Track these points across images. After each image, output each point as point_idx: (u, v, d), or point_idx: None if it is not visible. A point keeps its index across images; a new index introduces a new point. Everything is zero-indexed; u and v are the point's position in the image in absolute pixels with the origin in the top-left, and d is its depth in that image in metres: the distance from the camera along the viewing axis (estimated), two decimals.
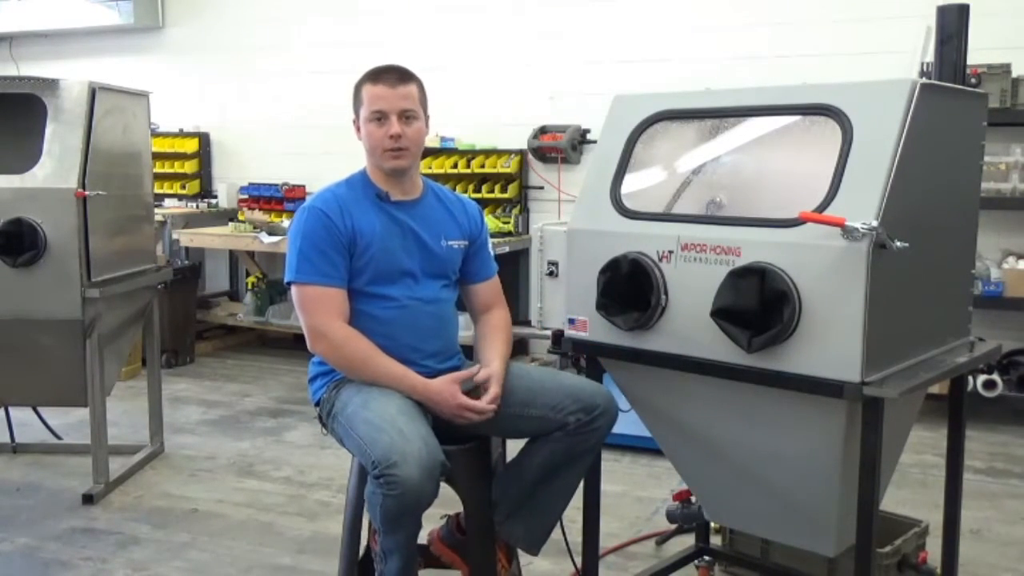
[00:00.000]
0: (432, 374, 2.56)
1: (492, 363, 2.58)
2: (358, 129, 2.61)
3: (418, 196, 2.66)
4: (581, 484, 2.67)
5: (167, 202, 7.34)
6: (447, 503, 2.54)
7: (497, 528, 2.61)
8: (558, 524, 2.71)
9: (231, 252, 7.36)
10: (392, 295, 2.55)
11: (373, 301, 2.55)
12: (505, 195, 6.32)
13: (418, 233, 2.60)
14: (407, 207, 2.62)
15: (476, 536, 2.59)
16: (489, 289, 2.80)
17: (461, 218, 2.72)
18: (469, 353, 2.76)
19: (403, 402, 2.41)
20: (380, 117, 2.53)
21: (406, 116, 2.55)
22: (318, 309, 2.49)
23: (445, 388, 2.47)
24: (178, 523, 3.74)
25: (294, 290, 2.53)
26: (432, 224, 2.65)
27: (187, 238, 6.66)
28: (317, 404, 2.62)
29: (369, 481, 2.27)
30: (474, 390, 2.50)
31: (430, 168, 6.38)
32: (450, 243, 2.67)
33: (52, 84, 3.91)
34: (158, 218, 5.88)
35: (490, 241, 2.85)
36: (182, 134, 7.52)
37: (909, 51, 4.83)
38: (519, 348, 6.45)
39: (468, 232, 2.72)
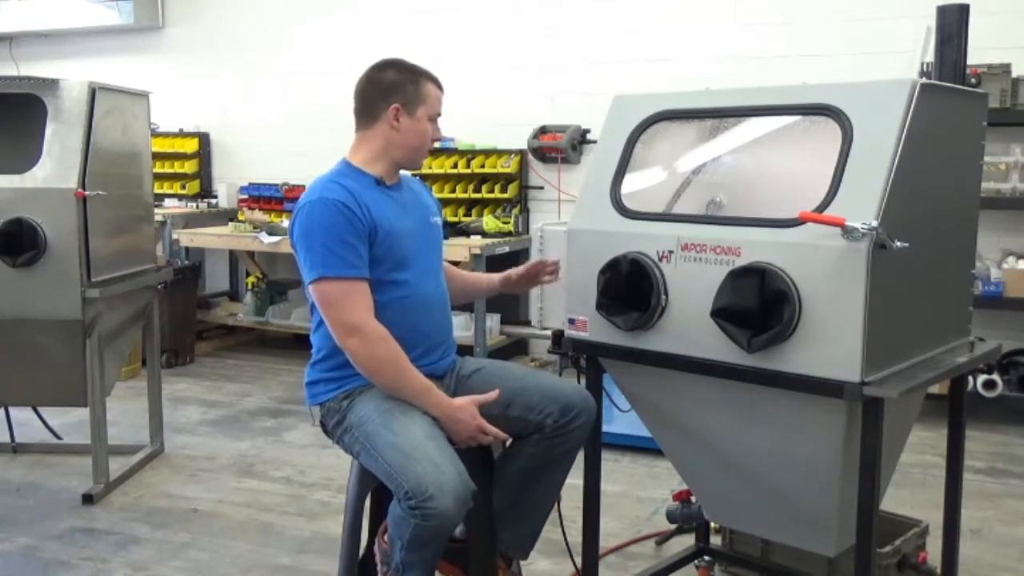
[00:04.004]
0: (439, 355, 2.59)
1: (494, 276, 2.83)
2: (396, 117, 2.53)
3: (399, 180, 2.68)
4: (580, 485, 2.68)
5: (167, 202, 7.34)
6: None
7: None
8: (557, 526, 2.70)
9: (231, 252, 7.36)
10: (408, 280, 2.53)
11: (391, 289, 2.50)
12: (505, 195, 6.32)
13: (417, 211, 2.64)
14: (398, 190, 2.63)
15: (477, 536, 2.58)
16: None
17: (429, 198, 2.79)
18: (466, 352, 2.77)
19: (425, 422, 2.38)
20: (435, 120, 2.61)
21: None
22: (350, 303, 2.41)
23: (468, 407, 2.44)
24: (178, 523, 3.74)
25: (320, 287, 2.41)
26: (420, 204, 2.69)
27: (187, 238, 6.67)
28: (318, 406, 2.59)
29: (398, 505, 2.25)
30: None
31: (430, 168, 6.38)
32: (435, 220, 2.72)
33: (52, 84, 3.91)
34: (158, 218, 5.89)
35: None
36: (182, 134, 7.52)
37: (909, 51, 4.84)
38: (519, 348, 6.45)
39: (437, 211, 2.79)
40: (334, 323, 2.43)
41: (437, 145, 2.70)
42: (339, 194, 2.44)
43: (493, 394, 2.48)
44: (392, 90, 2.55)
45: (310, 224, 2.43)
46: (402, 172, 2.73)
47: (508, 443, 2.64)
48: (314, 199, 2.44)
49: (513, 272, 2.80)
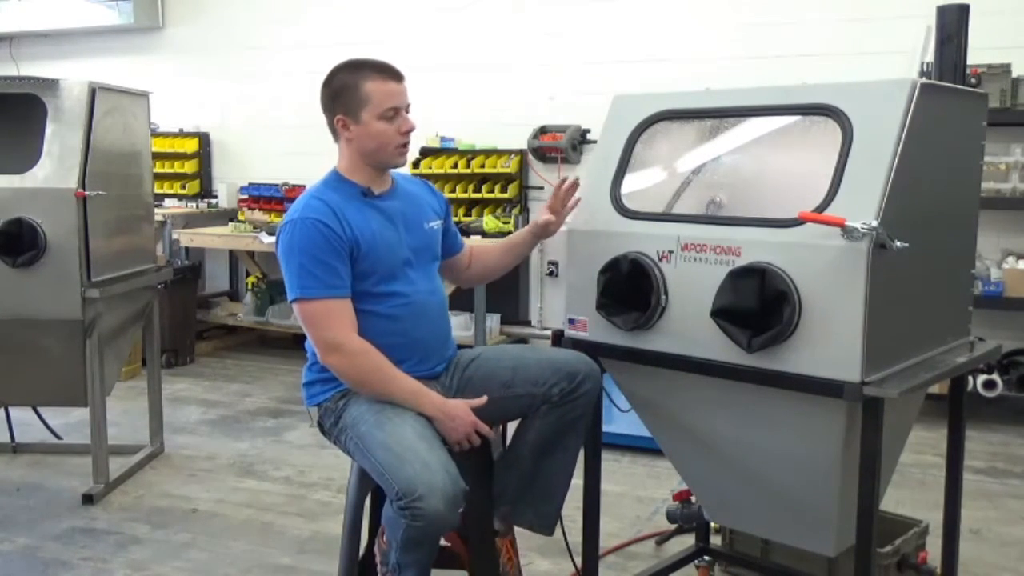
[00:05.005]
0: (437, 361, 2.59)
1: (529, 226, 2.73)
2: (345, 128, 2.50)
3: (392, 186, 2.64)
4: (580, 485, 2.68)
5: (167, 202, 7.34)
6: None
7: (501, 519, 2.61)
8: (560, 521, 2.70)
9: (231, 252, 7.36)
10: (400, 291, 2.52)
11: (382, 300, 2.50)
12: (505, 195, 6.32)
13: (407, 220, 2.59)
14: (389, 198, 2.59)
15: (476, 534, 2.58)
16: (465, 252, 2.86)
17: (431, 199, 2.73)
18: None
19: (418, 423, 2.38)
20: (394, 115, 2.50)
21: (407, 109, 2.55)
22: (329, 323, 2.43)
23: (461, 405, 2.45)
24: (178, 523, 3.74)
25: (300, 307, 2.45)
26: (414, 209, 2.64)
27: (187, 238, 6.67)
28: (315, 407, 2.59)
29: (390, 505, 2.26)
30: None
31: (430, 168, 6.38)
32: (431, 225, 2.67)
33: (52, 84, 3.91)
34: (158, 218, 5.88)
35: None
36: (182, 134, 7.52)
37: (909, 51, 4.83)
38: None
39: (439, 211, 2.74)
40: (315, 341, 2.46)
41: (405, 139, 2.52)
42: (320, 212, 2.44)
43: (481, 400, 2.49)
44: (332, 102, 2.52)
45: (291, 244, 2.44)
46: (402, 174, 2.72)
47: (518, 423, 2.63)
48: (295, 218, 2.45)
49: (541, 218, 2.68)
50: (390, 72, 2.51)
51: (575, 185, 2.61)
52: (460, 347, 2.77)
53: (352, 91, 2.48)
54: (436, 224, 2.69)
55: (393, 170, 2.65)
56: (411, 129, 2.54)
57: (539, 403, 2.52)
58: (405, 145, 2.55)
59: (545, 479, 2.60)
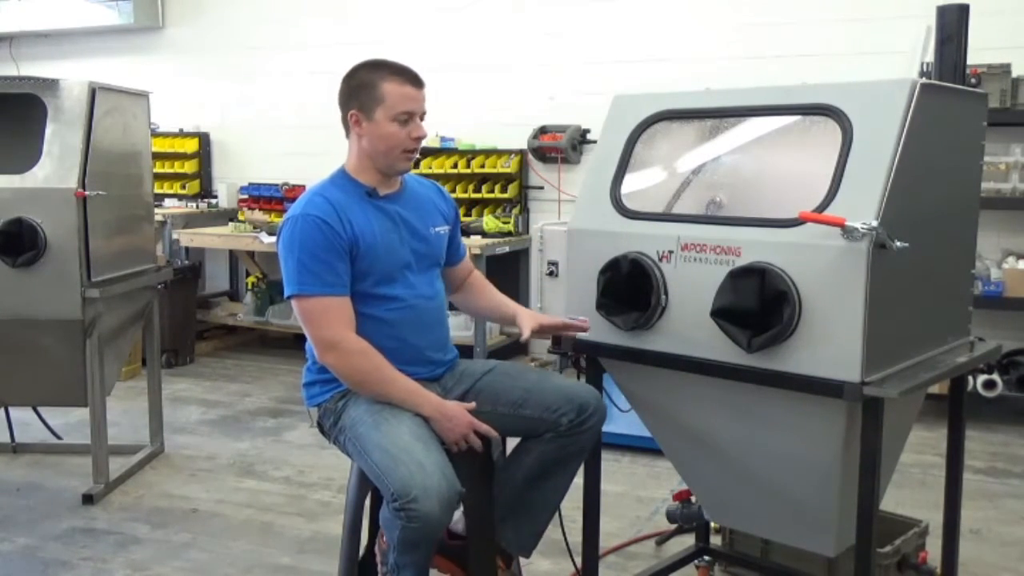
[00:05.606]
0: (434, 366, 2.59)
1: (522, 313, 2.73)
2: (357, 123, 2.51)
3: (400, 188, 2.63)
4: (580, 484, 2.68)
5: (167, 202, 7.34)
6: None
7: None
8: (557, 526, 2.70)
9: (231, 252, 7.36)
10: (397, 295, 2.52)
11: (379, 303, 2.50)
12: (505, 195, 6.32)
13: (410, 223, 2.58)
14: (395, 200, 2.59)
15: (477, 536, 2.58)
16: (466, 264, 2.87)
17: (441, 204, 2.72)
18: (466, 352, 2.76)
19: (415, 424, 2.38)
20: (407, 119, 2.49)
21: (422, 117, 2.55)
22: (327, 321, 2.43)
23: (458, 406, 2.45)
24: (178, 523, 3.74)
25: (297, 303, 2.46)
26: (420, 213, 2.63)
27: (187, 238, 6.67)
28: (315, 407, 2.59)
29: (386, 506, 2.26)
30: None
31: (430, 168, 6.38)
32: (437, 230, 2.66)
33: (52, 84, 3.91)
34: (158, 218, 5.89)
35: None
36: (182, 134, 7.52)
37: (909, 51, 4.83)
38: (519, 348, 6.45)
39: (448, 216, 2.73)
40: (312, 339, 2.47)
41: (415, 145, 2.51)
42: (321, 209, 2.44)
43: (470, 405, 2.50)
44: (350, 96, 2.53)
45: (291, 240, 2.45)
46: (415, 176, 2.71)
47: (518, 442, 2.64)
48: (297, 214, 2.45)
49: (545, 323, 2.65)
50: (410, 76, 2.52)
51: (580, 329, 2.57)
52: (461, 349, 2.76)
53: (369, 88, 2.49)
54: (443, 229, 2.69)
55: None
56: (421, 136, 2.53)
57: (545, 429, 2.53)
58: (413, 151, 2.54)
59: (533, 503, 2.60)
